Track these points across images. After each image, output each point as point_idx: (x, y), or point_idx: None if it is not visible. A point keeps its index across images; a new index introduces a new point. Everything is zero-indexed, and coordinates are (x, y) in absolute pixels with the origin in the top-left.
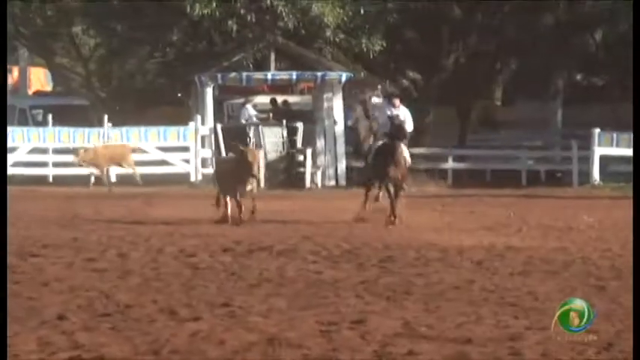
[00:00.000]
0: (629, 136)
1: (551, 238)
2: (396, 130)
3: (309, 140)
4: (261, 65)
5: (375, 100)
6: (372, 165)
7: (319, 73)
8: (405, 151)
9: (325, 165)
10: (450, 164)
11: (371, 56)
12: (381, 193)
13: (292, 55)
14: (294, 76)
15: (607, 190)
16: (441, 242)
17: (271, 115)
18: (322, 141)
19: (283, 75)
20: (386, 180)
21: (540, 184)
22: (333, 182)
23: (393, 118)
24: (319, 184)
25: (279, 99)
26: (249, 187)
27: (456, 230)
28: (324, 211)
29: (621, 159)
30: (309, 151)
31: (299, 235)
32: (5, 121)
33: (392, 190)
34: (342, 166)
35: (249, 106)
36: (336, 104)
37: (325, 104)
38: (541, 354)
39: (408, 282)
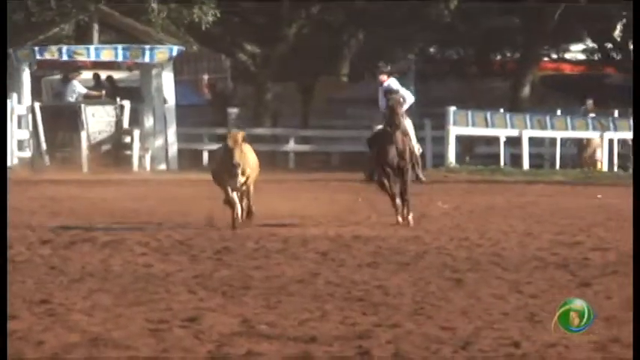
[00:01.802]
0: (484, 115)
1: (402, 227)
2: (389, 113)
3: (137, 120)
4: (84, 38)
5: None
6: (372, 156)
7: (147, 47)
8: (406, 138)
9: (155, 147)
10: (292, 146)
11: (203, 27)
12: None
13: (118, 26)
14: (120, 50)
15: (464, 174)
16: (283, 232)
17: (104, 92)
18: (151, 121)
19: (108, 48)
20: (386, 172)
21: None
22: (163, 166)
23: (387, 100)
24: (148, 168)
25: (103, 75)
26: (239, 180)
27: (299, 218)
28: (153, 197)
29: (479, 140)
30: (136, 133)
31: (126, 225)
32: (5, 118)
33: (396, 183)
34: (173, 148)
35: (75, 82)
36: (167, 81)
37: (154, 81)
38: (392, 353)
39: (246, 275)
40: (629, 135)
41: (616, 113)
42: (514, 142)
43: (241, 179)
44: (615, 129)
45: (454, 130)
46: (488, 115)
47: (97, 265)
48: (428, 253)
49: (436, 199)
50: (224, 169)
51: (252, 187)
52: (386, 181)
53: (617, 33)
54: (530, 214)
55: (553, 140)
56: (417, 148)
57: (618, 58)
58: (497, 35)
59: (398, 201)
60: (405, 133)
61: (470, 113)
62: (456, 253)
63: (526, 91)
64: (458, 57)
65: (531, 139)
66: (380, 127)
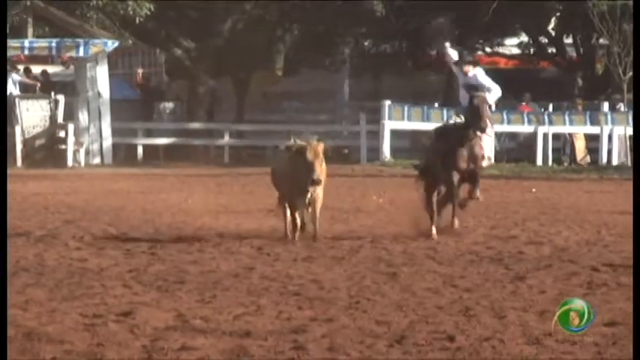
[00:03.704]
0: (421, 109)
1: (337, 221)
2: (472, 112)
3: (71, 115)
4: (18, 32)
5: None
6: (432, 153)
7: (82, 41)
8: (484, 145)
9: (89, 141)
10: (226, 140)
11: (137, 21)
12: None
13: (52, 20)
14: (54, 44)
15: (398, 168)
16: (218, 226)
17: (38, 86)
18: (86, 115)
19: (42, 43)
20: (450, 176)
21: (326, 161)
22: (97, 160)
23: (472, 97)
24: (83, 163)
25: (37, 69)
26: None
27: (234, 213)
28: (88, 192)
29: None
30: (71, 127)
31: (60, 219)
32: (5, 117)
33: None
34: (107, 142)
35: (15, 75)
36: (101, 75)
37: (89, 75)
38: (327, 348)
39: (180, 270)
40: (563, 129)
41: (550, 107)
42: None
43: (309, 198)
44: (550, 123)
45: (389, 125)
46: (424, 109)
47: (32, 260)
48: (363, 248)
49: (371, 193)
50: (295, 182)
51: (319, 203)
52: (433, 187)
53: (551, 27)
54: (465, 208)
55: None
56: (487, 158)
57: (552, 52)
58: (432, 29)
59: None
60: (483, 139)
61: (405, 107)
62: (391, 247)
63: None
64: (393, 51)
65: None
66: (452, 121)
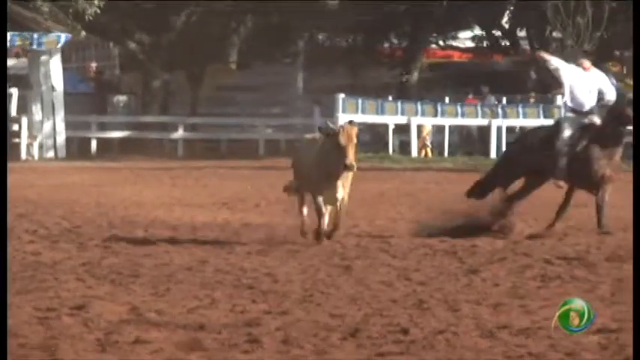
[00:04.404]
0: (375, 102)
1: (292, 214)
2: (616, 113)
3: (25, 108)
4: None
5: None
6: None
7: (35, 34)
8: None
9: (43, 135)
10: (180, 134)
11: (87, 19)
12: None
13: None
14: (8, 37)
15: None
16: (171, 219)
17: None
18: (39, 109)
19: None
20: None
21: (280, 154)
22: (51, 154)
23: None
24: (36, 156)
25: None
26: (339, 192)
27: (188, 206)
28: (41, 185)
29: (367, 127)
30: (24, 120)
31: (13, 213)
32: (5, 116)
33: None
34: (61, 136)
35: None
36: (55, 68)
37: (42, 68)
38: (281, 341)
39: (134, 263)
40: (516, 122)
41: (504, 100)
42: (404, 130)
43: (342, 192)
44: (504, 116)
45: (343, 118)
46: (378, 102)
47: None
48: None
49: None
50: (323, 169)
51: (347, 195)
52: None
53: (505, 20)
54: (419, 201)
55: (441, 127)
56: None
57: (506, 45)
58: (386, 23)
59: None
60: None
61: (359, 100)
62: (345, 241)
63: (414, 78)
64: (347, 44)
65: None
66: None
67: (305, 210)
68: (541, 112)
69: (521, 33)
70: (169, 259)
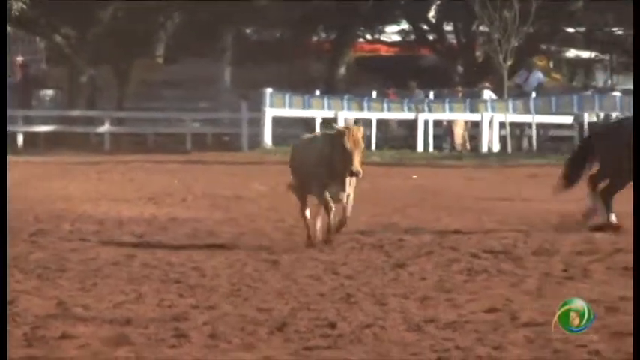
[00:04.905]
0: (302, 97)
1: (218, 209)
2: None
3: None
4: None
5: None
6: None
7: None
8: None
9: None
10: (107, 128)
11: (9, 17)
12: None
13: None
14: None
15: (279, 156)
16: (98, 214)
17: None
18: None
19: None
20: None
21: (207, 148)
22: None
23: None
24: None
25: None
26: (346, 191)
27: (115, 200)
28: None
29: (295, 121)
30: None
31: None
32: (5, 116)
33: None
34: None
35: None
36: None
37: None
38: (209, 335)
39: (61, 258)
40: (443, 116)
41: (431, 95)
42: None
43: (348, 190)
44: (430, 110)
45: (270, 112)
46: (305, 97)
47: None
48: (244, 235)
49: (252, 180)
50: (327, 172)
51: (352, 196)
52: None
53: (432, 14)
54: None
55: (369, 122)
56: None
57: (433, 39)
58: (314, 17)
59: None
60: None
61: (287, 95)
62: (273, 235)
63: (342, 72)
64: (274, 39)
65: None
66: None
67: (308, 213)
68: (467, 106)
69: (448, 27)
70: (96, 253)
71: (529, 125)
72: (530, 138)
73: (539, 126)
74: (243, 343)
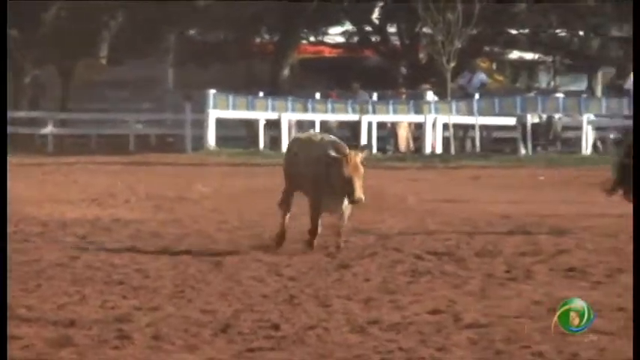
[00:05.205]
0: (246, 99)
1: (162, 210)
2: None
3: None
4: None
5: None
6: None
7: None
8: None
9: None
10: (50, 129)
11: None
12: None
13: None
14: None
15: (223, 157)
16: (42, 215)
17: None
18: None
19: None
20: None
21: (150, 149)
22: None
23: None
24: None
25: None
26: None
27: (58, 202)
28: None
29: (239, 123)
30: None
31: None
32: (5, 116)
33: None
34: None
35: None
36: None
37: None
38: (152, 336)
39: None
40: (387, 118)
41: (375, 96)
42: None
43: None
44: (374, 112)
45: (214, 114)
46: (249, 98)
47: None
48: (188, 237)
49: (196, 182)
50: (327, 192)
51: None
52: None
53: (375, 16)
54: None
55: (313, 123)
56: None
57: (376, 41)
58: (257, 18)
59: None
60: None
61: (230, 97)
62: (216, 236)
63: (285, 74)
64: (218, 40)
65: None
66: None
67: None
68: (411, 108)
69: (392, 29)
70: (39, 255)
71: (472, 126)
72: (473, 139)
73: (483, 127)
74: (186, 345)
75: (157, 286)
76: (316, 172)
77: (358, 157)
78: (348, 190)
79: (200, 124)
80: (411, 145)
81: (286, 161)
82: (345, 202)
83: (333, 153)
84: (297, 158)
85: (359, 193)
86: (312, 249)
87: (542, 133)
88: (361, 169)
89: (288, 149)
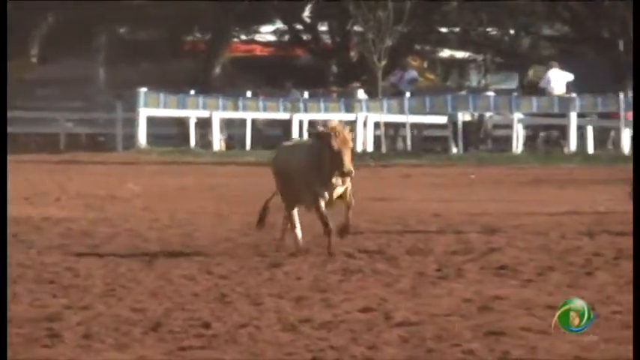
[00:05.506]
0: (177, 98)
1: (93, 209)
2: None
3: None
4: None
5: None
6: None
7: None
8: None
9: None
10: None
11: None
12: None
13: None
14: None
15: (154, 156)
16: None
17: None
18: None
19: None
20: None
21: (81, 148)
22: None
23: None
24: None
25: None
26: (337, 190)
27: None
28: None
29: (170, 121)
30: None
31: None
32: (6, 116)
33: None
34: None
35: None
36: None
37: None
38: (82, 335)
39: None
40: (319, 116)
41: (306, 94)
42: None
43: (339, 190)
44: (306, 110)
45: (145, 112)
46: (180, 96)
47: None
48: (119, 235)
49: (127, 180)
50: (316, 175)
51: (351, 195)
52: None
53: (306, 14)
54: (221, 195)
55: (244, 121)
56: None
57: (308, 39)
58: (188, 16)
59: None
60: None
61: (161, 95)
62: (147, 235)
63: (217, 72)
64: (149, 38)
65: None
66: None
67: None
68: (342, 106)
69: (323, 27)
70: None
71: (403, 125)
72: (404, 138)
73: (414, 126)
74: (117, 344)
75: (88, 284)
76: (308, 163)
77: (346, 130)
78: (337, 163)
79: (131, 123)
80: None
81: (278, 173)
82: (339, 181)
83: (321, 128)
84: (288, 163)
85: (348, 165)
86: (343, 237)
87: (473, 132)
88: (350, 142)
89: (276, 158)
